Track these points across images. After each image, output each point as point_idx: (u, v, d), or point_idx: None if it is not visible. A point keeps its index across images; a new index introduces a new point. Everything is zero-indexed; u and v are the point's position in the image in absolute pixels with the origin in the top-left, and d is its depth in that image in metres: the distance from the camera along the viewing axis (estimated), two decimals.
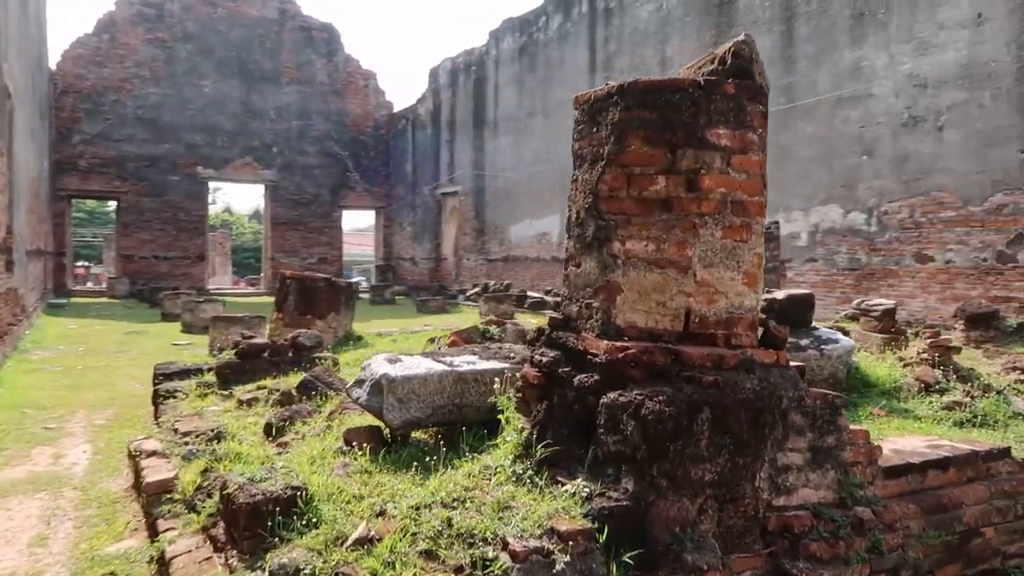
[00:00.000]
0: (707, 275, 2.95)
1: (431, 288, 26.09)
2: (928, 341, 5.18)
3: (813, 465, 2.99)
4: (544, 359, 3.14)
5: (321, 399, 5.11)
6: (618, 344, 2.90)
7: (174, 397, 5.89)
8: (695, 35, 16.87)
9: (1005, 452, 3.52)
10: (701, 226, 2.93)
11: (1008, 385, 4.90)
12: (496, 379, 3.73)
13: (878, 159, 13.00)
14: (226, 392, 5.72)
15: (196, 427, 4.82)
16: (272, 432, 4.30)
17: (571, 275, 3.24)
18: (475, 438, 3.56)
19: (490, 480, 2.99)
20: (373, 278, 31.40)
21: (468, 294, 22.67)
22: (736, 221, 2.99)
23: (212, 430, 4.59)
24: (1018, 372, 6.36)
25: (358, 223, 53.13)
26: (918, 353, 5.15)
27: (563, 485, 2.81)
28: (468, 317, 18.72)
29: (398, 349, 7.24)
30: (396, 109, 31.26)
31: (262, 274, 31.05)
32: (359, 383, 3.77)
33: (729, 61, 3.06)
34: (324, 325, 8.06)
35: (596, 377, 2.94)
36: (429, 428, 3.78)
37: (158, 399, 6.00)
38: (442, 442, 3.59)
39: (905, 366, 5.02)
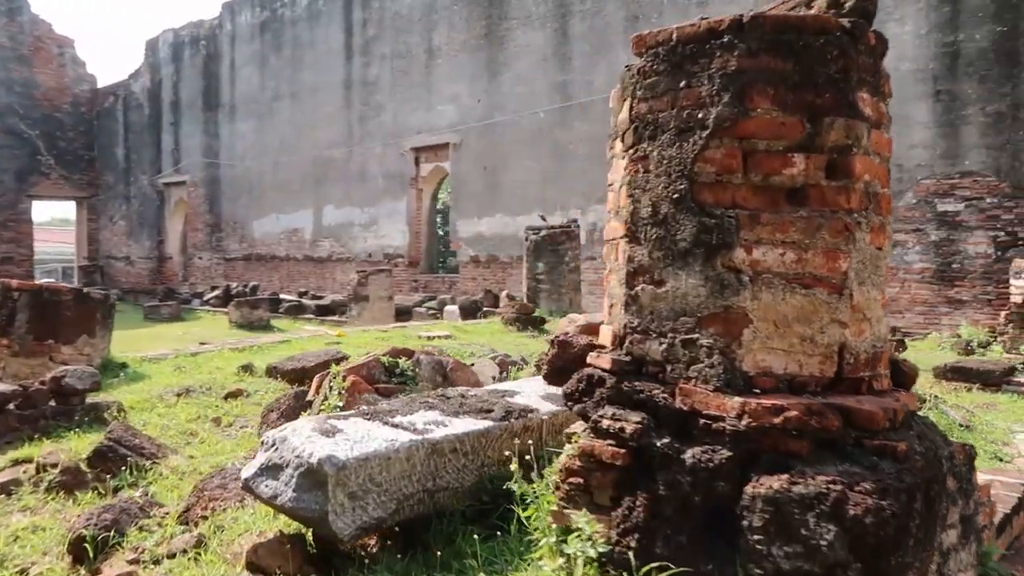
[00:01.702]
0: (860, 296, 2.11)
1: (155, 292, 22.67)
2: None
3: (963, 540, 2.30)
4: (626, 427, 2.07)
5: (134, 475, 3.48)
6: (765, 403, 1.94)
7: None
8: (464, 25, 16.24)
9: None
10: (855, 228, 2.08)
11: (931, 394, 4.77)
12: (484, 447, 2.58)
13: None
14: None
15: None
16: (89, 554, 2.66)
17: (643, 297, 2.20)
18: (466, 539, 2.38)
19: None
20: (75, 280, 26.60)
21: (207, 298, 19.93)
22: (876, 221, 2.18)
23: None
24: None
25: (39, 215, 45.23)
26: None
27: None
28: (214, 324, 16.30)
29: (197, 381, 5.52)
30: (102, 84, 26.82)
31: None
32: (271, 471, 2.37)
33: (851, 1, 2.23)
34: (74, 352, 5.99)
35: (726, 453, 1.95)
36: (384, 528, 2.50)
37: None
38: (417, 552, 2.35)
39: None
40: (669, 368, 2.14)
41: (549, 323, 9.57)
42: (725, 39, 2.07)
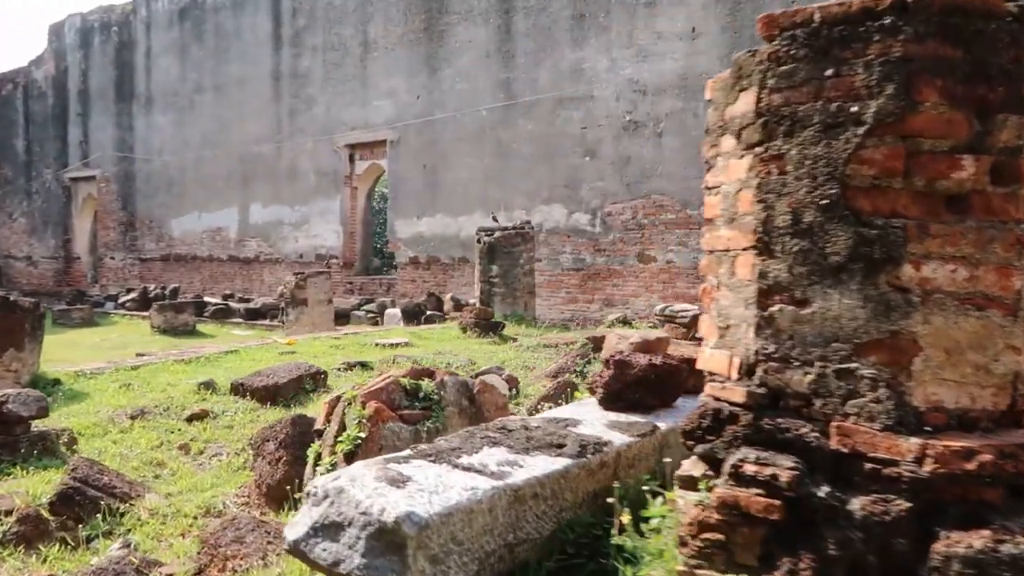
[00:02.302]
0: None
1: (61, 294, 21.13)
2: None
3: None
4: (780, 474, 1.76)
5: (107, 520, 2.97)
6: (952, 445, 1.67)
7: None
8: (403, 19, 15.71)
9: None
10: None
11: None
12: (563, 489, 2.23)
13: (600, 161, 13.19)
14: None
15: None
16: None
17: (781, 319, 1.90)
18: None
19: None
20: None
21: (122, 300, 18.67)
22: None
23: None
24: None
25: None
26: None
27: None
28: (133, 329, 15.24)
29: (150, 401, 4.93)
30: None
31: None
32: (328, 531, 1.95)
33: None
34: (0, 369, 5.29)
35: (904, 504, 1.68)
36: None
37: None
38: None
39: None
40: (819, 403, 1.84)
41: (508, 328, 9.25)
42: (886, 21, 1.79)
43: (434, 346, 7.93)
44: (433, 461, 2.18)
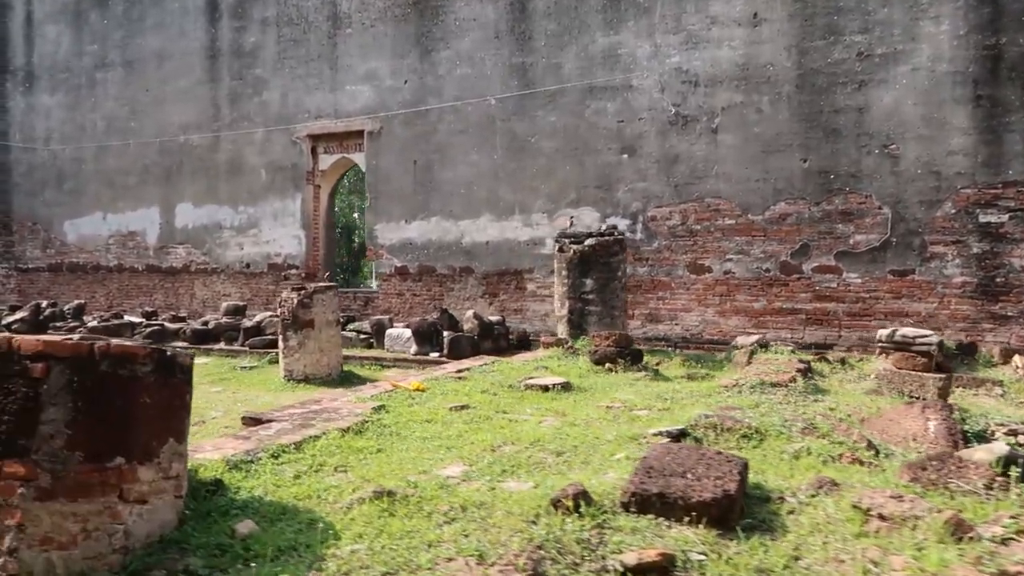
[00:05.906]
0: None
1: None
2: None
3: None
4: None
5: None
6: None
7: None
8: None
9: None
10: None
11: None
12: None
13: (641, 159, 11.72)
14: None
15: None
16: None
17: None
18: None
19: None
20: None
21: (7, 322, 14.98)
22: None
23: None
24: None
25: None
26: None
27: None
28: None
29: (503, 534, 2.84)
30: None
31: None
32: None
33: None
34: (156, 476, 2.95)
35: None
36: None
37: None
38: None
39: None
40: None
41: (647, 357, 7.55)
42: None
43: (610, 390, 6.11)
44: None
